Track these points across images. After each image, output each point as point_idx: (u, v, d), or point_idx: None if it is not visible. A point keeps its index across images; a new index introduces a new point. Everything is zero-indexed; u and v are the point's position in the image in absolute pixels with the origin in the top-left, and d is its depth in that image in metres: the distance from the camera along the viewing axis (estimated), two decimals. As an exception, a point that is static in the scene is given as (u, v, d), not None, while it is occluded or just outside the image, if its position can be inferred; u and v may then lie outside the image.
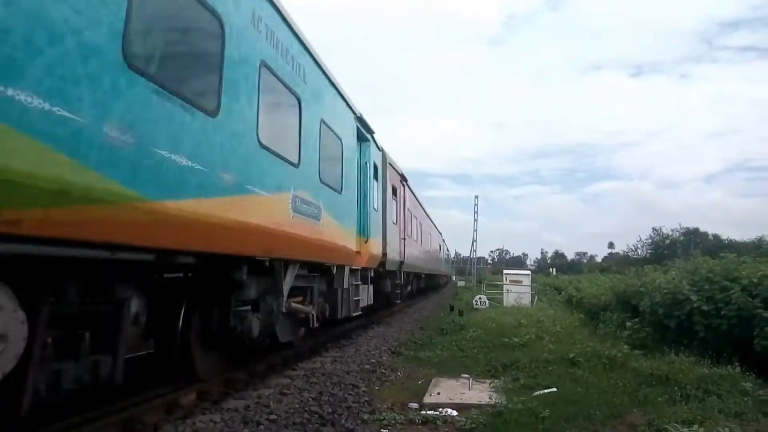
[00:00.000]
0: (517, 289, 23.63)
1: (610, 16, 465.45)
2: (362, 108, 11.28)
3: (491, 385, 7.14)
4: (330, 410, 5.63)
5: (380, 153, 14.12)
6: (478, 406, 5.97)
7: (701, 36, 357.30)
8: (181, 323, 5.84)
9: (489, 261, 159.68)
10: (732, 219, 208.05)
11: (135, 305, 4.60)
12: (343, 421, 5.32)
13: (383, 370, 8.15)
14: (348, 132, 10.30)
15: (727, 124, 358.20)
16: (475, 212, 53.13)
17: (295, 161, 7.14)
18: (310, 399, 6.04)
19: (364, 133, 11.76)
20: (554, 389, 6.59)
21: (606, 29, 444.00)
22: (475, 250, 55.81)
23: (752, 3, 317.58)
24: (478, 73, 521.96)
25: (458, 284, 57.76)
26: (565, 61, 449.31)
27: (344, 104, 10.07)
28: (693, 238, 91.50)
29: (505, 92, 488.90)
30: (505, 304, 22.27)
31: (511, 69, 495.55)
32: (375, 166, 13.05)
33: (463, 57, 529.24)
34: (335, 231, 9.06)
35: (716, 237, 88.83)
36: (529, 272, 27.70)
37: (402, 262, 17.04)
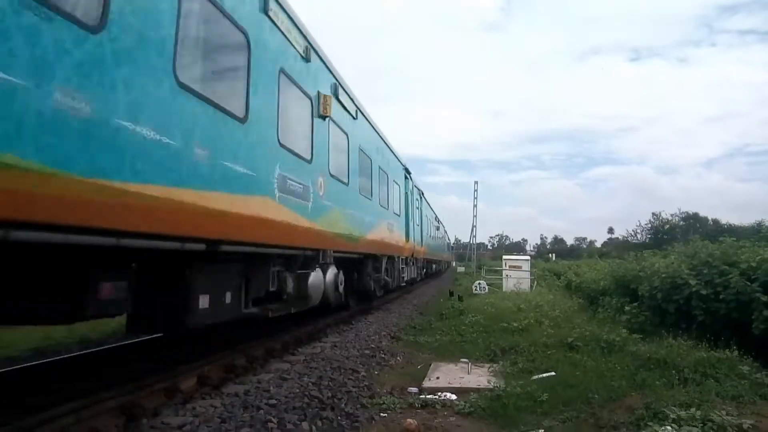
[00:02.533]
0: (517, 275, 23.70)
1: (609, 0, 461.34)
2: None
3: (490, 370, 7.18)
4: (330, 395, 5.66)
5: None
6: (477, 390, 6.00)
7: (700, 20, 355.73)
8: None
9: (489, 247, 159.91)
10: (732, 204, 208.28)
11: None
12: (342, 405, 5.35)
13: (383, 355, 8.18)
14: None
15: (726, 109, 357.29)
16: (475, 198, 53.11)
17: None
18: (310, 384, 6.07)
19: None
20: (553, 373, 6.62)
21: (604, 13, 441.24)
22: (475, 236, 55.92)
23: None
24: (476, 59, 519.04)
25: (458, 270, 57.82)
26: (563, 46, 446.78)
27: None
28: (693, 223, 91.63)
29: (503, 78, 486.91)
30: (504, 290, 22.35)
31: (509, 55, 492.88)
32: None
33: (460, 43, 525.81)
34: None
35: (716, 222, 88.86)
36: (528, 258, 27.79)
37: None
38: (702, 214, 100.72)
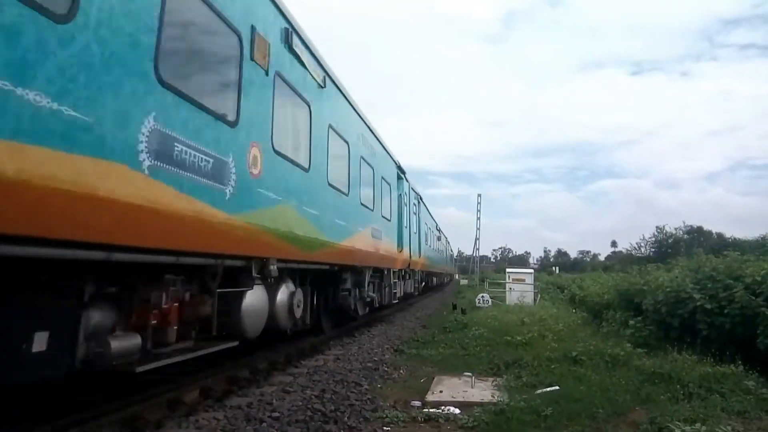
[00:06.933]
0: (520, 288, 23.59)
1: (610, 13, 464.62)
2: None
3: (494, 383, 7.14)
4: (333, 408, 5.64)
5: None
6: (481, 404, 5.97)
7: (702, 34, 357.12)
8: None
9: (492, 259, 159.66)
10: (734, 217, 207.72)
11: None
12: (345, 418, 5.33)
13: (386, 368, 8.16)
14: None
15: (728, 122, 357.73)
16: (478, 211, 53.12)
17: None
18: (313, 397, 6.06)
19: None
20: (557, 387, 6.59)
21: (606, 26, 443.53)
22: (478, 249, 55.82)
23: (753, 0, 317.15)
24: (478, 70, 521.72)
25: (461, 283, 57.69)
26: (564, 59, 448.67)
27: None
28: (697, 237, 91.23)
29: (505, 90, 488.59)
30: (507, 303, 22.25)
31: (510, 66, 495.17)
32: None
33: (462, 55, 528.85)
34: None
35: (720, 235, 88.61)
36: (531, 271, 27.67)
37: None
38: (706, 227, 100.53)
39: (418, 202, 20.95)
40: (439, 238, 33.12)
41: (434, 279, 33.88)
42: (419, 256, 20.33)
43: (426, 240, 23.99)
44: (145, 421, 4.79)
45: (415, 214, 19.58)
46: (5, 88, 2.85)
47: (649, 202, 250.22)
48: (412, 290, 20.01)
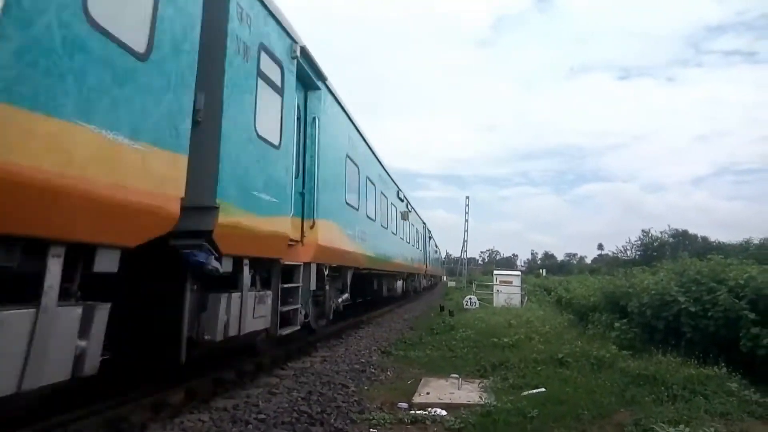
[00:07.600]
0: (507, 290, 23.68)
1: (598, 19, 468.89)
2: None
3: (480, 385, 7.16)
4: (319, 410, 5.62)
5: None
6: (468, 406, 5.99)
7: (688, 40, 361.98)
8: None
9: (479, 261, 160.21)
10: (720, 221, 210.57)
11: None
12: (332, 420, 5.31)
13: (373, 370, 8.15)
14: None
15: (713, 127, 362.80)
16: (466, 213, 53.32)
17: None
18: (300, 398, 6.03)
19: None
20: (543, 389, 6.62)
21: (594, 32, 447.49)
22: (466, 251, 55.99)
23: (737, 8, 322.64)
24: (468, 74, 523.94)
25: (448, 284, 57.86)
26: (553, 64, 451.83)
27: None
28: (682, 240, 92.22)
29: (494, 94, 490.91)
30: (495, 305, 22.34)
31: (500, 71, 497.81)
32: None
33: (453, 59, 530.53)
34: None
35: (705, 239, 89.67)
36: (519, 273, 27.76)
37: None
38: (691, 231, 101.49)
39: (333, 102, 9.79)
40: (405, 216, 20.87)
41: (398, 284, 21.69)
42: (307, 222, 8.27)
43: (359, 197, 12.14)
44: (129, 423, 4.73)
45: (309, 136, 8.61)
46: None
47: (636, 206, 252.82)
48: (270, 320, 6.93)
